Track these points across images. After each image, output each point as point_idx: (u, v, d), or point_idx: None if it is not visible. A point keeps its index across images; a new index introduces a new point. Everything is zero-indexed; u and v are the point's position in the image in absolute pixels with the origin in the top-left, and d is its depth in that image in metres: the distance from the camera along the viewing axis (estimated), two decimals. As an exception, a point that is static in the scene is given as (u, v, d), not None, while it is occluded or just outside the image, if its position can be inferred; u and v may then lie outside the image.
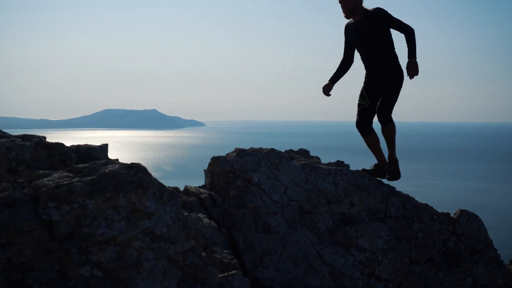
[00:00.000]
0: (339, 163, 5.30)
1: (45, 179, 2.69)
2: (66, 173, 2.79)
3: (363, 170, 5.62)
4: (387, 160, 5.73)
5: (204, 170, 4.59)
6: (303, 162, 4.66)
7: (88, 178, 2.64)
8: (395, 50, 5.55)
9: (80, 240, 2.49)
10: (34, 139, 3.50)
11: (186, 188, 4.26)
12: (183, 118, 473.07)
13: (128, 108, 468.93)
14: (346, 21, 5.63)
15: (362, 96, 5.68)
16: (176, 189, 4.23)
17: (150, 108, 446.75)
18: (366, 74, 5.68)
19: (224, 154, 4.54)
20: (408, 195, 5.58)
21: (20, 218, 2.44)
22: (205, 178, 4.54)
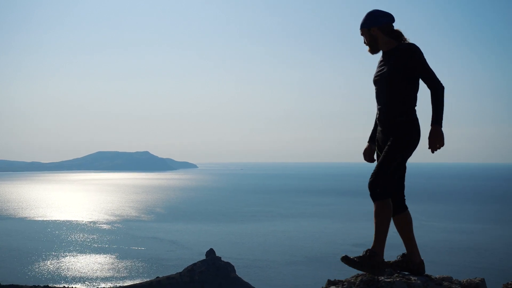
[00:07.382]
0: None
1: None
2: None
3: (344, 258, 4.23)
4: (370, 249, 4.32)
5: None
6: None
7: None
8: (416, 106, 4.45)
9: None
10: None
11: None
12: (175, 160, 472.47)
13: (120, 150, 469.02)
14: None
15: (379, 148, 4.60)
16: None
17: (142, 150, 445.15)
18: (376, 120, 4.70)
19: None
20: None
21: None
22: None
